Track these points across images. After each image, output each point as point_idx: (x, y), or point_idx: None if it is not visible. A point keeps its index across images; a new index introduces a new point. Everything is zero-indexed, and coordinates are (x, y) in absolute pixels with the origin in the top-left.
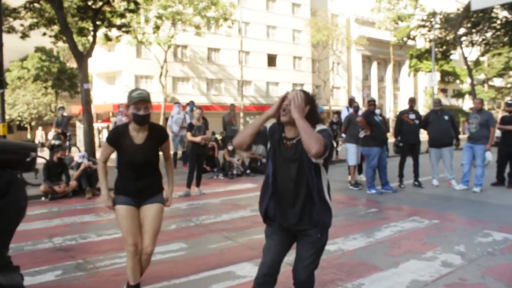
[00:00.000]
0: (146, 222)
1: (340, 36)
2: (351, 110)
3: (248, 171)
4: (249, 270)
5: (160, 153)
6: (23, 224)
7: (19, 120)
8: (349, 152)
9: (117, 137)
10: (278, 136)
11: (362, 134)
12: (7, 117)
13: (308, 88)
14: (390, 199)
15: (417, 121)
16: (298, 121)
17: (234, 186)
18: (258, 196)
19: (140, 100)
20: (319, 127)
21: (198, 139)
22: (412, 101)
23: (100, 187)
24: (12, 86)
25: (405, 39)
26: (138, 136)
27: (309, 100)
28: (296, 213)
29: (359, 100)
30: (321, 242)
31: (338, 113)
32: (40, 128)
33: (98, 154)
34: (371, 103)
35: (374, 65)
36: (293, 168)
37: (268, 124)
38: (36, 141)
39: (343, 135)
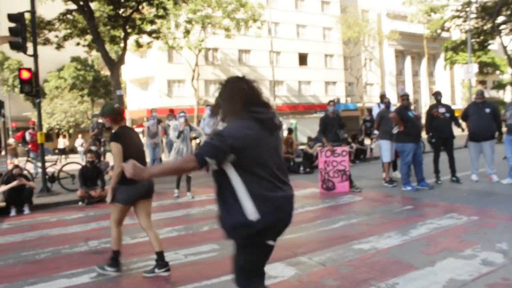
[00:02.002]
0: None
1: (371, 31)
2: (382, 106)
3: None
4: (281, 270)
5: None
6: (61, 228)
7: (57, 128)
8: (383, 148)
9: None
10: None
11: (395, 130)
12: (46, 125)
13: (341, 86)
14: (426, 196)
15: (447, 115)
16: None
17: None
18: None
19: None
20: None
21: None
22: (438, 94)
23: None
24: (50, 96)
25: (439, 31)
26: None
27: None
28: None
29: (393, 95)
30: (235, 253)
31: (370, 110)
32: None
33: None
34: (404, 97)
35: (408, 59)
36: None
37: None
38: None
39: (376, 132)
